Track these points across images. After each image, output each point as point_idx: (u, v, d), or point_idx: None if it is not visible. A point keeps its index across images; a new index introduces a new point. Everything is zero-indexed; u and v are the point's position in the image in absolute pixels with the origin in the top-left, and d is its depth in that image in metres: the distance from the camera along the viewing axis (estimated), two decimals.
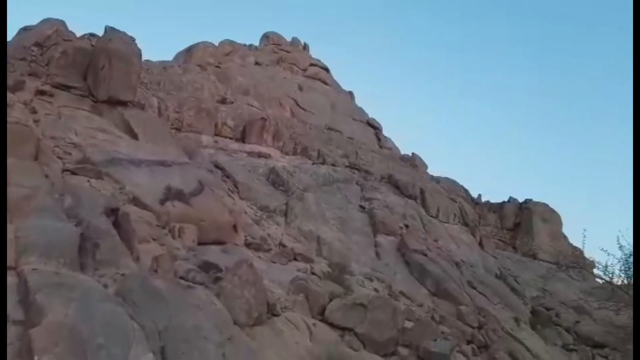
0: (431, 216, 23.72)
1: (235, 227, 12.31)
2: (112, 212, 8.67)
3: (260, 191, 17.56)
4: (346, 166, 23.42)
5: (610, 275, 7.22)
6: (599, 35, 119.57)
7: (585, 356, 19.81)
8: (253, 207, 16.33)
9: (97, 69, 14.42)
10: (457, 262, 19.74)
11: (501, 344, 14.13)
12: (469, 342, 13.36)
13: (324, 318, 10.36)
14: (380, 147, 30.76)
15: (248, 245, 12.86)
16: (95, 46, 15.27)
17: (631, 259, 6.82)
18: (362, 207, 20.22)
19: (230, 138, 21.58)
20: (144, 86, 19.46)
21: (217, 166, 17.71)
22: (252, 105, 24.17)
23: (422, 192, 24.48)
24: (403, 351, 10.32)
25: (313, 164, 22.23)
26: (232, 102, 23.37)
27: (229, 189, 16.54)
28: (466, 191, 36.13)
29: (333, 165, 22.69)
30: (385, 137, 33.25)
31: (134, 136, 13.82)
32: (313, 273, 12.84)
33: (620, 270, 6.98)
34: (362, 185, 22.02)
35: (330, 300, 10.89)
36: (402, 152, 32.70)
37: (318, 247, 15.53)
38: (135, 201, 10.59)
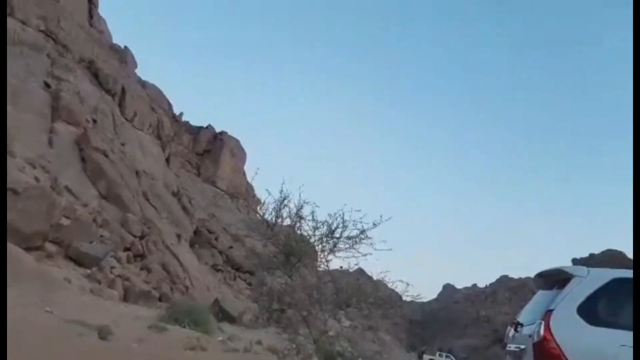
0: (126, 119, 22.33)
1: None
2: None
3: None
4: (40, 30, 19.41)
5: (263, 212, 8.29)
6: None
7: (229, 277, 22.84)
8: None
9: None
10: (138, 172, 19.30)
11: (158, 255, 14.68)
12: (126, 250, 13.39)
13: None
14: (91, 25, 26.79)
15: None
16: None
17: (286, 202, 7.98)
18: (47, 84, 17.28)
19: None
20: None
21: None
22: None
23: (123, 91, 22.71)
24: (51, 247, 9.47)
25: None
26: None
27: None
28: (170, 105, 35.65)
29: (23, 23, 18.44)
30: (101, 16, 29.16)
31: None
32: None
33: (273, 209, 8.08)
34: (54, 59, 18.74)
35: None
36: (115, 42, 29.45)
37: None
38: None
